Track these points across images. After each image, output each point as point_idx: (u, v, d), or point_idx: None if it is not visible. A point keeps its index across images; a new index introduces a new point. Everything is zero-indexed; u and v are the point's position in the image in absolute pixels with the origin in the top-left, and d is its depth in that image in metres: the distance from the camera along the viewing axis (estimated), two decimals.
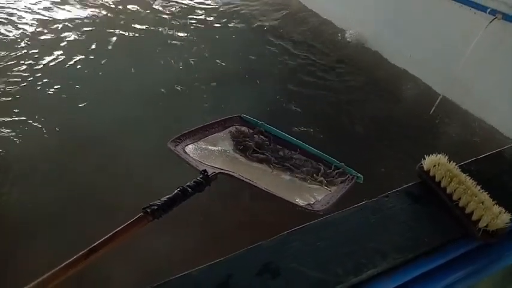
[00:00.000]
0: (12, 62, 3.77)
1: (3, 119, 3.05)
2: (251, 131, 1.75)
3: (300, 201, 1.37)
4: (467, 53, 3.14)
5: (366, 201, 1.00)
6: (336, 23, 4.79)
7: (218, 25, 4.71)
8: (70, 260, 0.86)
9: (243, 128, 1.74)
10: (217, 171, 1.31)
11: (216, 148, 1.61)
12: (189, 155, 1.49)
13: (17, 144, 2.82)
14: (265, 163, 1.63)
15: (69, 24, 4.52)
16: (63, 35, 4.32)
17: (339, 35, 4.54)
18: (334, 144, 3.07)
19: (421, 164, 1.10)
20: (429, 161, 1.08)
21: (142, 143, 2.81)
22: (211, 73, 3.80)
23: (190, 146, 1.55)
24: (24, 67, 3.73)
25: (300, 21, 4.87)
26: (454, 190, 0.98)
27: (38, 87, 3.47)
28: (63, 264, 0.86)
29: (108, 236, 0.94)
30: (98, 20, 4.65)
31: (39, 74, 3.64)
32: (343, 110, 3.43)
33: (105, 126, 3.07)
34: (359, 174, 1.54)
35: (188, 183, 1.18)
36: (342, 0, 4.74)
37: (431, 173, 1.06)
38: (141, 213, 1.03)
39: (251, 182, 1.38)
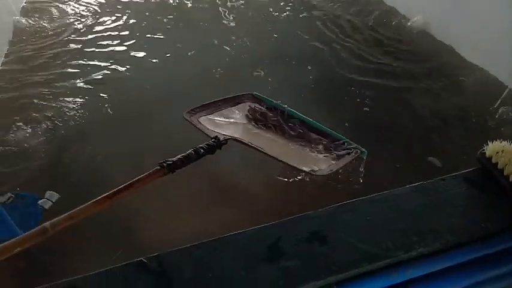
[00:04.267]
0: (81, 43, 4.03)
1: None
2: (262, 107, 1.86)
3: (305, 168, 1.48)
4: None
5: (422, 182, 0.99)
6: (398, 9, 4.59)
7: (272, 9, 4.67)
8: (96, 199, 1.02)
9: (255, 104, 1.86)
10: (227, 137, 1.42)
11: (228, 120, 1.76)
12: (202, 124, 1.63)
13: (85, 111, 3.06)
14: (274, 133, 1.74)
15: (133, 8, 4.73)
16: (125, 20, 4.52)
17: (402, 21, 4.35)
18: (389, 131, 2.99)
19: (483, 149, 1.06)
20: (492, 148, 1.04)
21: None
22: (263, 57, 3.79)
23: (203, 117, 1.70)
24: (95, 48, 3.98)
25: (361, 7, 4.70)
26: None
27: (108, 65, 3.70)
28: (90, 202, 1.01)
29: (129, 182, 1.09)
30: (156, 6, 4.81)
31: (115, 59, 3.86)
32: (402, 98, 3.31)
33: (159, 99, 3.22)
34: (363, 149, 1.61)
35: (201, 145, 1.29)
36: None
37: (493, 160, 1.02)
38: (158, 167, 1.16)
39: (259, 149, 1.48)
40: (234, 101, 1.86)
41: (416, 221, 0.88)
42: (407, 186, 0.98)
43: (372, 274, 0.80)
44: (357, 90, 3.36)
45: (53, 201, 2.30)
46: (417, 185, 0.99)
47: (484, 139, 1.10)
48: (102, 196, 1.02)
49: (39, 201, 2.26)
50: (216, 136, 1.36)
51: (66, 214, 0.96)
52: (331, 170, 1.50)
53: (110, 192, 1.03)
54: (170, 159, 1.18)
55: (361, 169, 1.98)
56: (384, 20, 4.45)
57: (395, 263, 0.80)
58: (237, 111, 1.84)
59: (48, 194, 2.31)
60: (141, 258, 0.82)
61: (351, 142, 1.69)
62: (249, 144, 1.50)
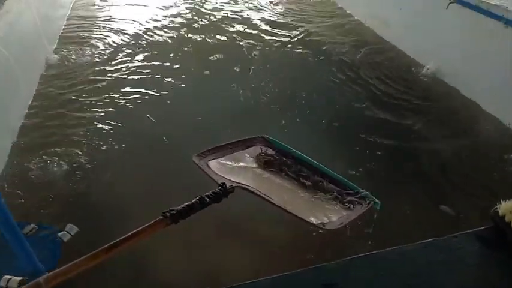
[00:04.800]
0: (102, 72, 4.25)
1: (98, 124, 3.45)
2: (273, 151, 1.82)
3: (313, 220, 1.41)
4: None
5: (434, 239, 1.00)
6: (413, 56, 4.72)
7: (290, 52, 4.86)
8: (93, 252, 0.97)
9: (266, 148, 1.82)
10: (234, 184, 1.40)
11: (237, 164, 1.71)
12: (211, 169, 1.59)
13: (110, 146, 3.20)
14: (284, 179, 1.69)
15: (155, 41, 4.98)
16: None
17: (416, 68, 4.45)
18: (403, 177, 3.00)
19: (496, 208, 1.07)
20: (505, 206, 1.05)
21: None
22: (277, 99, 3.93)
23: (213, 161, 1.66)
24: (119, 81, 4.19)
25: (375, 53, 4.85)
26: None
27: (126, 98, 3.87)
28: (85, 256, 0.96)
29: (129, 234, 1.04)
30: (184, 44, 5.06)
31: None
32: (415, 145, 3.33)
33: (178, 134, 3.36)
34: (377, 201, 1.54)
35: (207, 194, 1.25)
36: (420, 33, 4.65)
37: (507, 219, 1.03)
38: (161, 217, 1.11)
39: (266, 197, 1.44)
40: (245, 144, 1.83)
41: (428, 278, 0.90)
42: (420, 242, 1.00)
43: None
44: (370, 136, 3.40)
45: (72, 234, 2.36)
46: (430, 241, 1.00)
47: (496, 189, 1.12)
48: (99, 249, 0.97)
49: (59, 234, 2.33)
50: (224, 183, 1.33)
51: (62, 268, 0.92)
52: (341, 224, 1.44)
53: (107, 245, 0.99)
54: (174, 208, 1.15)
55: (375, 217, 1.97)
56: (396, 65, 4.58)
57: None
58: (247, 155, 1.80)
59: (68, 227, 2.38)
60: None
61: (365, 192, 1.62)
62: (256, 193, 1.46)
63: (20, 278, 2.01)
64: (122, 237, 1.02)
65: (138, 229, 1.06)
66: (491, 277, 0.90)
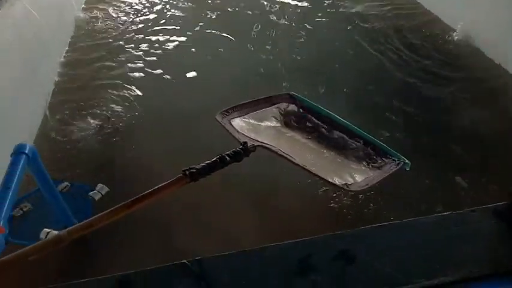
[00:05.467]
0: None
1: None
2: (300, 109, 1.75)
3: (337, 181, 1.36)
4: None
5: (451, 212, 1.03)
6: (444, 19, 4.49)
7: (318, 14, 4.75)
8: (115, 207, 1.00)
9: (292, 105, 1.75)
10: (256, 143, 1.36)
11: (261, 123, 1.66)
12: (234, 127, 1.55)
13: (136, 110, 3.27)
14: (309, 137, 1.63)
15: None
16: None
17: (447, 33, 4.25)
18: (425, 146, 2.97)
19: None
20: None
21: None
22: (301, 61, 3.90)
23: (237, 119, 1.61)
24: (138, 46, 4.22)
25: (405, 16, 4.65)
26: None
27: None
28: (108, 210, 0.99)
29: (150, 190, 1.05)
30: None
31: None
32: (442, 115, 3.26)
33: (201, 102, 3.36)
34: (407, 161, 1.46)
35: (227, 152, 1.23)
36: None
37: None
38: (181, 174, 1.11)
39: (289, 158, 1.40)
40: (270, 102, 1.76)
41: (442, 250, 0.93)
42: (438, 214, 1.02)
43: None
44: (395, 104, 3.35)
45: (103, 193, 2.50)
46: (447, 214, 1.03)
47: None
48: (120, 205, 1.00)
49: (91, 193, 2.47)
50: (245, 142, 1.28)
51: (83, 222, 0.95)
52: (366, 185, 1.37)
53: (128, 200, 1.01)
54: (194, 166, 1.13)
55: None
56: (427, 29, 4.41)
57: None
58: (272, 113, 1.73)
59: (99, 186, 2.51)
60: (184, 261, 0.93)
61: (395, 152, 1.52)
62: (278, 152, 1.41)
63: (58, 231, 2.16)
64: (142, 194, 1.04)
65: (158, 186, 1.07)
66: (506, 253, 0.93)
